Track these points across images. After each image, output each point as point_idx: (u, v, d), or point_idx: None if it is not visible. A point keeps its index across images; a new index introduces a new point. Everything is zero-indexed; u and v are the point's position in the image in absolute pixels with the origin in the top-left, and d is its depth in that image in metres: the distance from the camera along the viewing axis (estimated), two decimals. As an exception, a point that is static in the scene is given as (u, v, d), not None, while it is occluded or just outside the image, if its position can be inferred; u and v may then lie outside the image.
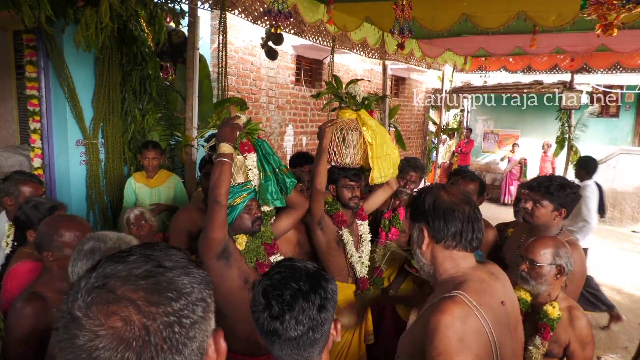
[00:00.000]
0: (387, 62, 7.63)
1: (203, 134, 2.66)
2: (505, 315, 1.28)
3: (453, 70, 8.35)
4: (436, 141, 10.06)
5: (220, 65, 3.94)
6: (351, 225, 2.64)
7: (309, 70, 7.22)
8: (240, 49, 5.65)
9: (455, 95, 9.78)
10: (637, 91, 10.20)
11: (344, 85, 2.63)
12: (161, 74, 4.28)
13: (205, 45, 5.13)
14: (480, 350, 1.17)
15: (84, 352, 0.55)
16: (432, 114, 11.34)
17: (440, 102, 9.17)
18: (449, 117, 11.99)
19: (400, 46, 5.04)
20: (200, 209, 2.76)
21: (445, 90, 8.91)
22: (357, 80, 2.63)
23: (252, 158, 2.13)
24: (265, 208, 2.25)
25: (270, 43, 4.31)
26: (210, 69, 4.60)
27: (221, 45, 3.87)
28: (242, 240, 2.16)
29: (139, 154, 3.71)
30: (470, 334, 1.16)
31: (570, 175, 9.02)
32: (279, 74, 6.35)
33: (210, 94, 4.31)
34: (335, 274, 2.59)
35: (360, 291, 2.63)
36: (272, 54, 4.43)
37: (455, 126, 11.83)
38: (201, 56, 4.00)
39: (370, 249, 2.73)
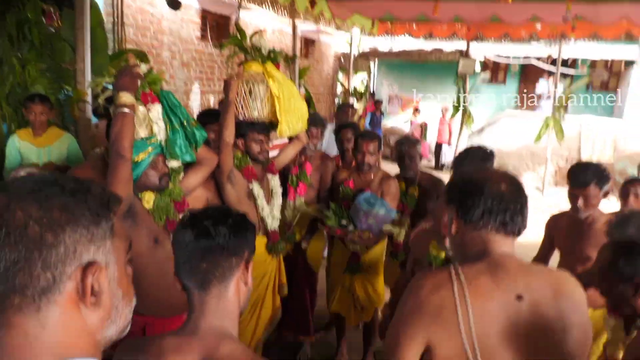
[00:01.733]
0: (297, 22, 7.52)
1: (98, 84, 2.43)
2: (514, 313, 1.07)
3: (361, 34, 8.50)
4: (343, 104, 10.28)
5: (115, 13, 3.59)
6: (262, 180, 2.64)
7: (215, 26, 6.87)
8: (138, -2, 5.18)
9: (362, 59, 10.00)
10: (521, 62, 11.28)
11: (248, 38, 2.55)
12: (44, 19, 3.78)
13: (97, -10, 4.61)
14: (432, 327, 1.08)
15: None
16: (341, 77, 11.53)
17: (349, 66, 9.32)
18: (357, 81, 12.27)
19: (311, 3, 4.98)
20: (97, 167, 2.55)
21: (354, 54, 9.07)
22: (261, 31, 2.57)
23: (156, 110, 2.00)
24: (173, 164, 2.14)
25: (172, -9, 4.01)
26: (104, 18, 4.17)
27: (116, -11, 3.52)
28: (149, 198, 2.06)
29: (24, 108, 3.29)
30: (435, 307, 1.08)
31: (464, 137, 9.84)
32: (182, 28, 5.95)
33: (104, 44, 3.92)
34: None
35: (272, 243, 2.66)
36: (174, 4, 4.14)
37: (363, 90, 12.17)
38: (92, 1, 3.60)
39: (281, 202, 2.76)
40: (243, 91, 2.47)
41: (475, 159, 2.42)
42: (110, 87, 2.10)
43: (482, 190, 1.15)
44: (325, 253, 3.83)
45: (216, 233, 1.03)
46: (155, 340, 1.02)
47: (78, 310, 0.63)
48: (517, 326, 1.07)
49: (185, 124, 2.07)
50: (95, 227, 0.64)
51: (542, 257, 2.62)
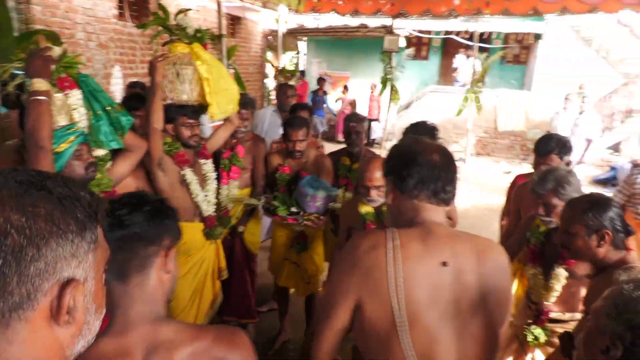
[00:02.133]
0: (220, -2, 7.26)
1: (6, 71, 2.24)
2: (439, 278, 1.14)
3: (288, 11, 8.40)
4: (274, 83, 10.19)
5: (18, -11, 3.28)
6: (194, 165, 2.60)
7: (133, 3, 6.47)
8: (42, -27, 4.74)
9: (290, 38, 9.91)
10: (442, 36, 11.75)
11: (172, 17, 2.46)
12: None
13: (-6, -36, 4.16)
14: (365, 288, 1.12)
15: None
16: (270, 56, 11.36)
17: (277, 44, 9.20)
18: (286, 60, 12.17)
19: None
20: (12, 161, 2.37)
21: (282, 32, 8.96)
22: (186, 10, 2.49)
23: (76, 95, 1.89)
24: (99, 152, 2.05)
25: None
26: (5, -5, 3.78)
27: (17, -36, 3.20)
28: (74, 190, 1.97)
29: None
30: (367, 266, 1.12)
31: (393, 113, 10.16)
32: (97, 5, 5.55)
33: (9, 24, 3.55)
34: (182, 214, 2.54)
35: (208, 229, 2.65)
36: (86, -20, 3.83)
37: (293, 68, 12.10)
38: (-10, -24, 3.25)
39: (215, 187, 2.73)
40: (170, 74, 2.38)
41: (423, 134, 2.58)
42: (20, 73, 1.95)
43: (416, 161, 1.19)
44: (263, 234, 3.89)
45: (131, 222, 1.00)
46: (90, 351, 1.03)
47: (49, 326, 0.59)
48: (441, 290, 1.13)
49: (109, 109, 1.97)
50: (80, 240, 0.60)
51: (514, 226, 2.69)
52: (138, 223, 1.01)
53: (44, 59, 1.78)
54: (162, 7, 2.49)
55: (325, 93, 10.32)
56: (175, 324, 1.03)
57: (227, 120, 2.73)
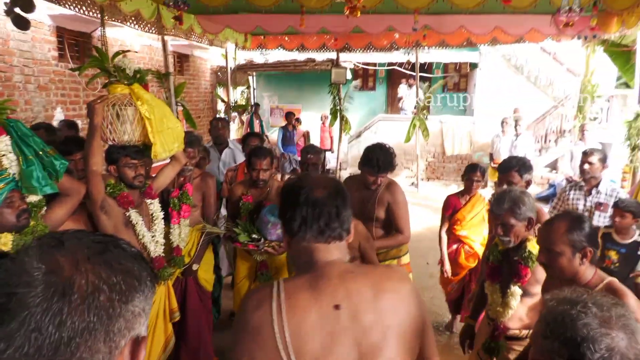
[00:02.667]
0: (167, 37, 7.29)
1: None
2: (334, 323, 1.05)
3: (236, 48, 8.53)
4: (227, 118, 10.20)
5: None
6: (140, 205, 2.56)
7: (74, 44, 6.37)
8: (-25, 16, 4.60)
9: (240, 73, 10.02)
10: (386, 67, 12.27)
11: (110, 58, 2.46)
12: None
13: None
14: (256, 349, 1.03)
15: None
16: (220, 91, 11.41)
17: (227, 80, 9.28)
18: (237, 95, 12.26)
19: (177, 19, 4.90)
20: None
21: (230, 68, 9.05)
22: (125, 52, 2.49)
23: (4, 142, 1.84)
24: (33, 198, 1.98)
25: (17, 10, 3.64)
26: None
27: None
28: (6, 240, 1.88)
29: None
30: (254, 327, 1.04)
31: (344, 142, 10.38)
32: (35, 47, 5.42)
33: None
34: None
35: (157, 270, 2.58)
36: (21, 24, 3.76)
37: (244, 103, 12.19)
38: None
39: (163, 227, 2.68)
40: (110, 115, 2.36)
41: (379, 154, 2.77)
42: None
43: (298, 200, 1.13)
44: (225, 271, 3.84)
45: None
46: None
47: None
48: (338, 336, 1.05)
49: (41, 153, 1.92)
50: (151, 297, 0.61)
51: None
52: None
53: None
54: (98, 50, 2.48)
55: (294, 128, 10.12)
56: None
57: (173, 158, 2.72)
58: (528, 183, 2.76)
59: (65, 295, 0.51)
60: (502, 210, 2.09)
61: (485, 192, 3.75)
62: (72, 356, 0.51)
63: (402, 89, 12.03)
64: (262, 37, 7.97)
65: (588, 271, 1.73)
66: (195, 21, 6.05)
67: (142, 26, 5.74)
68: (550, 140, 9.71)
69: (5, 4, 3.70)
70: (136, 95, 2.42)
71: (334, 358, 1.04)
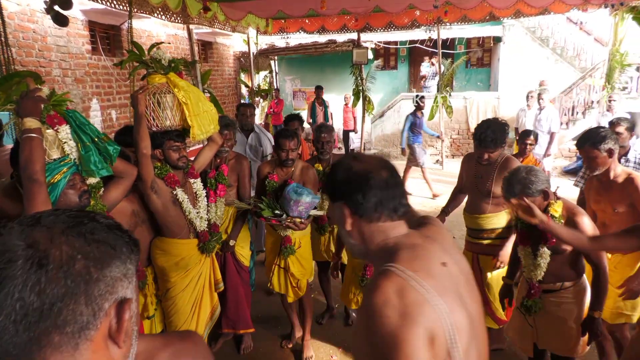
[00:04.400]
0: (191, 26, 7.47)
1: (-8, 112, 2.38)
2: (449, 276, 1.09)
3: (257, 33, 8.65)
4: (252, 103, 10.40)
5: (-5, 34, 3.42)
6: (184, 185, 2.75)
7: (105, 37, 6.63)
8: (16, 15, 4.89)
9: (262, 58, 10.15)
10: (408, 46, 12.17)
11: (146, 51, 2.64)
12: None
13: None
14: (428, 321, 0.97)
15: None
16: (243, 77, 11.59)
17: (249, 65, 9.43)
18: (260, 79, 12.41)
19: (205, 9, 5.06)
20: (9, 196, 2.49)
21: (253, 53, 9.20)
22: (159, 44, 2.67)
23: (65, 130, 2.04)
24: (92, 180, 2.20)
25: (56, 7, 3.88)
26: (-18, 40, 3.91)
27: (-6, 10, 3.35)
28: (70, 219, 2.11)
29: None
30: (412, 306, 0.97)
31: (367, 123, 10.43)
32: (70, 42, 5.70)
33: (-12, 69, 3.69)
34: (177, 232, 2.70)
35: (202, 243, 2.80)
36: (61, 20, 4.00)
37: (267, 87, 12.34)
38: (-33, 24, 3.40)
39: (206, 204, 2.89)
40: (152, 103, 2.55)
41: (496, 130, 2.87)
42: (3, 114, 2.09)
43: (368, 182, 1.15)
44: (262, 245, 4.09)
45: None
46: None
47: (107, 347, 0.63)
48: (455, 286, 1.08)
49: (96, 140, 2.12)
50: (130, 263, 0.66)
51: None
52: None
53: (34, 99, 1.92)
54: (135, 44, 2.66)
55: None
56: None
57: (210, 140, 2.90)
58: (609, 152, 2.58)
59: (42, 267, 0.57)
60: (514, 195, 2.20)
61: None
62: (57, 319, 0.57)
63: (424, 67, 11.94)
64: (283, 21, 8.07)
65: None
66: (218, 9, 6.20)
67: (168, 16, 5.93)
68: (577, 113, 9.53)
69: (45, 2, 3.94)
70: (173, 83, 2.60)
71: (464, 306, 1.06)
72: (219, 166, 3.26)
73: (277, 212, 3.03)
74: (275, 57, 12.98)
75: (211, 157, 2.98)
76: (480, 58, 12.74)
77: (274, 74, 13.38)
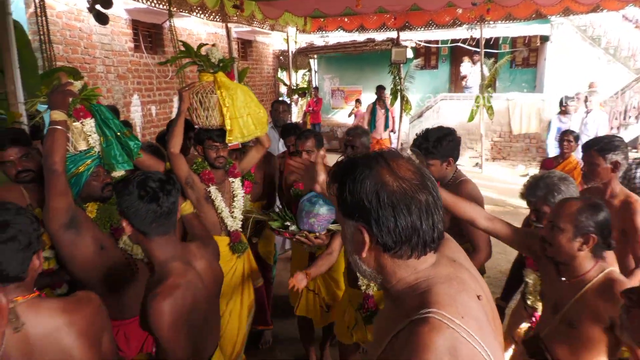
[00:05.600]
0: (230, 25, 7.62)
1: (33, 106, 2.50)
2: (485, 313, 0.91)
3: (296, 32, 8.70)
4: (288, 102, 10.48)
5: (40, 32, 3.61)
6: (222, 183, 2.75)
7: (148, 35, 6.87)
8: (63, 14, 5.14)
9: (301, 56, 10.20)
10: (449, 45, 11.88)
11: (194, 50, 2.67)
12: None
13: (20, 10, 4.57)
14: None
15: None
16: (282, 75, 11.69)
17: (288, 63, 9.51)
18: (298, 78, 12.49)
19: (237, 7, 5.12)
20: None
21: (292, 51, 9.26)
22: (206, 44, 2.70)
23: (89, 124, 2.12)
24: (116, 174, 2.27)
25: (98, 7, 4.05)
26: (30, 37, 4.14)
27: (39, 9, 3.53)
28: (92, 209, 2.18)
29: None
30: None
31: (406, 122, 10.27)
32: (114, 40, 5.94)
33: (33, 64, 3.90)
34: (209, 228, 2.66)
35: (233, 243, 2.77)
36: (102, 19, 4.17)
37: (305, 86, 12.40)
38: (16, 22, 3.60)
39: (242, 205, 2.83)
40: (194, 102, 2.57)
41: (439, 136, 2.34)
42: (43, 108, 2.19)
43: (409, 209, 0.86)
44: (278, 245, 4.04)
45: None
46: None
47: None
48: (490, 322, 0.92)
49: (119, 134, 2.18)
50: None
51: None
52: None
53: (63, 93, 1.99)
54: (184, 43, 2.73)
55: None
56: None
57: (259, 142, 2.86)
58: (615, 165, 2.31)
59: None
60: (535, 197, 1.99)
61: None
62: None
63: (465, 67, 11.60)
64: (322, 19, 8.06)
65: (587, 261, 1.65)
66: (256, 7, 6.27)
67: (207, 15, 6.07)
68: (630, 117, 8.97)
69: (88, 1, 4.12)
70: (218, 83, 2.60)
71: (499, 342, 0.93)
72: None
73: (287, 224, 2.53)
74: (315, 56, 13.02)
75: (258, 158, 2.96)
76: (526, 58, 12.22)
77: (313, 72, 13.42)
